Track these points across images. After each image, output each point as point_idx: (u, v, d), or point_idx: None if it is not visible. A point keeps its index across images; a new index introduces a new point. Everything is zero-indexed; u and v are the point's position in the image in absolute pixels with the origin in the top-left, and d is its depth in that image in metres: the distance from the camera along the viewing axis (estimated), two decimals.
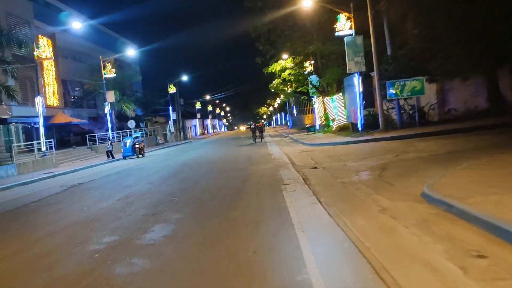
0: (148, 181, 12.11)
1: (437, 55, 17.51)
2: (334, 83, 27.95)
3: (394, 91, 19.53)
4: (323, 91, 28.41)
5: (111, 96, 29.24)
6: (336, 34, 20.58)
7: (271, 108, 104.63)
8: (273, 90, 32.25)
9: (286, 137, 33.26)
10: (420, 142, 14.45)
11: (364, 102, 21.01)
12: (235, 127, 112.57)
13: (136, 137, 23.08)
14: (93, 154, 27.50)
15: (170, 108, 50.05)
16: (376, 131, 19.76)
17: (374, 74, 22.72)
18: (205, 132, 78.87)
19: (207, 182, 10.64)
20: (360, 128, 20.05)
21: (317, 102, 33.84)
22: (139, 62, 48.83)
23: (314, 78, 30.15)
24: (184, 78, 51.82)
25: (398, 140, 16.19)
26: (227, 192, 8.84)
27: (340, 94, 27.94)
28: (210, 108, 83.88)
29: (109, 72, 29.15)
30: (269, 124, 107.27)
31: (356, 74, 19.79)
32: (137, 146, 22.48)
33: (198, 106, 68.56)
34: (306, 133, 30.05)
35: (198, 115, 68.72)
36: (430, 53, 18.14)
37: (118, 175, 15.27)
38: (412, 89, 19.14)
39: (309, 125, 30.87)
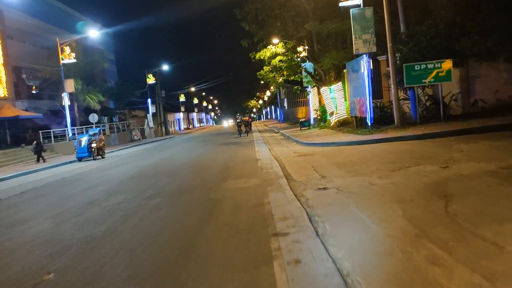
0: (57, 211, 7.88)
1: (471, 29, 13.57)
2: (332, 70, 23.94)
3: (412, 77, 15.57)
4: (320, 80, 24.39)
5: (70, 85, 24.77)
6: (341, 4, 16.52)
7: (260, 101, 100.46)
8: (261, 80, 28.11)
9: (277, 132, 29.23)
10: (460, 143, 10.50)
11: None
12: (224, 121, 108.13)
13: (94, 134, 18.75)
14: (46, 154, 23.07)
15: (149, 100, 45.60)
16: (389, 127, 15.82)
17: (385, 58, 18.79)
18: (191, 126, 74.42)
19: (132, 230, 5.99)
20: (369, 124, 16.08)
21: (312, 93, 29.84)
22: (114, 50, 44.07)
23: (309, 66, 26.09)
24: (165, 67, 47.28)
25: (424, 140, 12.24)
26: (152, 267, 4.66)
27: (340, 83, 23.93)
28: (196, 101, 79.33)
29: (68, 57, 24.63)
30: (259, 118, 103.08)
31: (364, 56, 15.77)
32: (94, 145, 18.18)
33: (182, 98, 64.07)
34: (299, 129, 26.05)
35: (182, 108, 64.24)
36: (461, 29, 14.19)
37: (33, 192, 11.04)
38: (436, 75, 15.18)
39: (303, 119, 26.88)
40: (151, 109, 46.08)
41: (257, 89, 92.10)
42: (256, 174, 9.49)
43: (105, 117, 38.17)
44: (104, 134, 21.17)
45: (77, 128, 25.84)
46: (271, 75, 26.89)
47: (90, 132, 19.31)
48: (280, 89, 32.77)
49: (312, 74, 25.07)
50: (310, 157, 11.55)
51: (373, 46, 15.82)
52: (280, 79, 29.14)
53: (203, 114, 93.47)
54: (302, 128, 25.98)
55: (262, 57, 27.80)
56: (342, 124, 22.39)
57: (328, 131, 21.09)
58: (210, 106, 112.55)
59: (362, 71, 16.25)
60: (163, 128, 51.68)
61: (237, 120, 30.10)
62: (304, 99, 32.05)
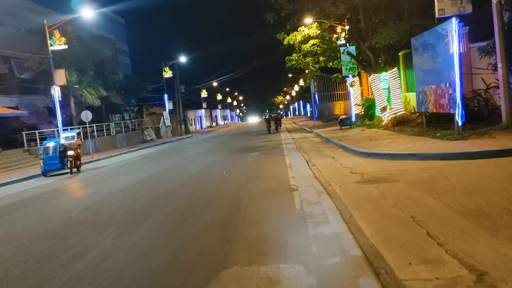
0: None
1: None
2: (384, 53, 18.49)
3: None
4: (368, 66, 18.92)
5: (61, 77, 20.52)
6: None
7: (288, 97, 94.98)
8: (291, 67, 22.91)
9: (310, 132, 23.97)
10: None
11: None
12: (249, 118, 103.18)
13: (68, 138, 14.14)
14: (30, 160, 18.91)
15: (165, 96, 41.28)
16: (492, 128, 10.35)
17: (467, 30, 13.30)
18: (214, 124, 70.02)
19: None
20: (459, 123, 10.63)
21: (354, 83, 24.38)
22: (127, 40, 39.93)
23: (352, 49, 20.62)
24: (184, 59, 42.78)
25: None
26: None
27: (395, 69, 18.43)
28: (219, 97, 74.87)
29: (58, 43, 20.34)
30: (286, 115, 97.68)
31: (453, 20, 10.30)
32: (70, 153, 13.59)
33: (204, 94, 59.64)
34: (339, 128, 20.72)
35: (204, 105, 59.83)
36: None
37: None
38: None
39: (343, 116, 21.43)
40: (168, 105, 41.78)
41: (284, 84, 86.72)
42: (295, 248, 4.33)
43: (116, 115, 34.08)
44: (79, 137, 16.48)
45: (70, 128, 21.57)
46: (304, 60, 21.61)
47: (63, 135, 14.72)
48: (314, 78, 27.29)
49: (359, 58, 19.62)
50: (390, 188, 6.31)
51: (467, 4, 10.35)
52: (316, 67, 23.75)
53: (228, 111, 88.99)
54: (342, 128, 20.63)
55: (292, 42, 22.61)
56: (400, 123, 16.94)
57: (384, 133, 15.67)
58: (235, 103, 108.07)
59: (447, 44, 10.80)
60: (183, 127, 47.37)
61: (266, 117, 29.65)
62: (342, 92, 26.57)
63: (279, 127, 28.78)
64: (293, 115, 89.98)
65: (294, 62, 21.35)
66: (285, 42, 22.79)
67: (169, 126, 41.29)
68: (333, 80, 23.05)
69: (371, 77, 18.92)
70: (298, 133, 25.43)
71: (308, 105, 60.60)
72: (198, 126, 57.72)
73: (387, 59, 18.21)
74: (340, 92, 26.93)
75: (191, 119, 53.98)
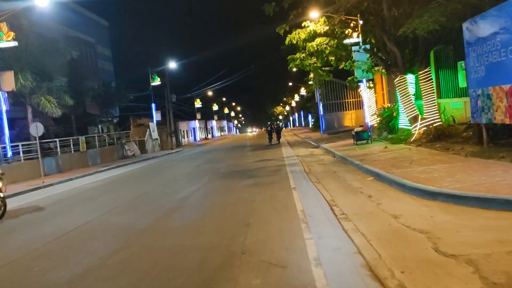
0: None
1: None
2: (411, 50, 14.63)
3: None
4: (393, 65, 14.94)
5: (9, 80, 16.68)
6: None
7: (287, 108, 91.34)
8: (292, 68, 18.98)
9: (316, 147, 19.95)
10: None
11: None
12: (248, 129, 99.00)
13: None
14: None
15: (153, 106, 37.33)
16: None
17: None
18: (209, 136, 65.99)
19: None
20: None
21: (368, 88, 20.39)
22: (110, 45, 36.13)
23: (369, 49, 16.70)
24: (173, 65, 38.94)
25: None
26: None
27: (428, 69, 14.51)
28: (215, 107, 71.04)
29: (5, 38, 16.39)
30: (286, 126, 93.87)
31: None
32: None
33: (198, 104, 55.73)
34: (354, 143, 16.72)
35: (198, 116, 55.88)
36: None
37: None
38: None
39: (359, 129, 17.35)
40: (156, 116, 37.80)
41: (283, 93, 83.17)
42: None
43: (95, 127, 30.01)
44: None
45: (22, 145, 17.46)
46: (310, 61, 17.69)
47: None
48: (322, 82, 23.07)
49: (382, 57, 15.67)
50: None
51: None
52: (323, 71, 19.80)
53: (225, 122, 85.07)
54: (358, 143, 16.61)
55: (294, 41, 18.75)
56: (439, 137, 12.96)
57: (422, 152, 11.63)
58: (232, 113, 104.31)
59: None
60: (173, 139, 43.29)
61: (268, 128, 29.86)
62: (353, 100, 22.56)
63: (279, 138, 28.29)
64: (293, 127, 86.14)
65: (298, 62, 17.41)
66: (287, 41, 18.94)
67: (157, 139, 37.22)
68: (347, 84, 19.03)
69: (397, 79, 14.94)
70: (302, 147, 21.38)
71: (309, 116, 56.70)
72: (191, 139, 53.66)
73: (417, 56, 14.30)
74: (351, 100, 22.99)
75: (183, 131, 49.96)
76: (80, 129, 26.26)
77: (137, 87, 38.00)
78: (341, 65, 17.54)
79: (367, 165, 10.30)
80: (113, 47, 39.45)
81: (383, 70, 16.37)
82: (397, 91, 15.28)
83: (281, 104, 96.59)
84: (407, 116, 14.92)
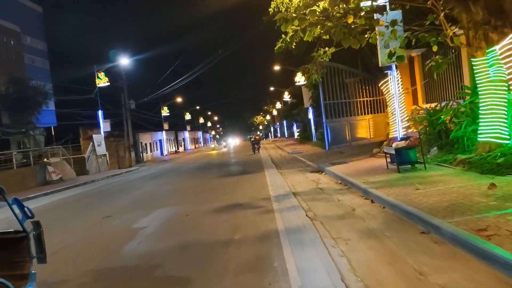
0: None
1: None
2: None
3: None
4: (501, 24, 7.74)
5: None
6: None
7: (268, 117, 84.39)
8: (284, 45, 11.76)
9: (317, 170, 12.57)
10: None
11: None
12: (228, 140, 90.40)
13: None
14: None
15: (99, 113, 29.40)
16: None
17: None
18: (180, 149, 57.96)
19: None
20: None
21: (394, 81, 13.17)
22: (45, 37, 28.07)
23: (397, 15, 9.60)
24: (126, 62, 31.14)
25: None
26: None
27: None
28: (188, 116, 63.24)
29: None
30: (266, 137, 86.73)
31: None
32: None
33: (165, 112, 47.89)
34: (389, 168, 9.52)
35: (166, 126, 47.98)
36: None
37: None
38: None
39: (401, 144, 9.94)
40: (105, 126, 29.84)
41: (264, 101, 76.26)
42: None
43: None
44: None
45: None
46: (315, 29, 10.31)
47: None
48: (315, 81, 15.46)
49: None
50: None
51: None
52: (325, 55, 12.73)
53: (200, 133, 77.14)
54: (401, 168, 9.38)
55: (283, 7, 11.75)
56: None
57: None
58: (209, 124, 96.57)
59: None
60: (132, 154, 35.30)
61: (252, 140, 32.58)
62: (370, 99, 15.04)
63: (259, 148, 30.61)
64: (274, 137, 79.05)
65: (296, 24, 9.99)
66: (272, 6, 11.95)
67: (105, 155, 29.21)
68: (380, 65, 11.70)
69: (481, 59, 7.75)
70: (295, 170, 14.04)
71: (294, 125, 49.69)
72: (157, 153, 45.62)
73: None
74: (366, 100, 15.50)
75: (147, 144, 41.98)
76: None
77: (85, 90, 30.11)
78: (367, 35, 10.25)
79: None
80: (50, 39, 31.24)
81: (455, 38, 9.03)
82: (481, 80, 8.10)
83: (261, 113, 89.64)
84: (501, 119, 7.73)
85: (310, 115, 30.96)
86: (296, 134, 47.49)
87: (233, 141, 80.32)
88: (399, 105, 13.34)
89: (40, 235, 3.48)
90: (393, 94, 13.73)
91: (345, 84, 14.65)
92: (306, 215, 6.50)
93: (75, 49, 58.57)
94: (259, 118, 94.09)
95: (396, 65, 12.94)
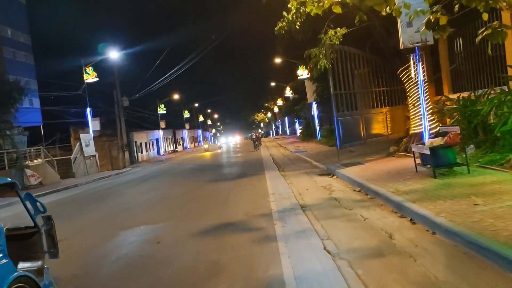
0: None
1: None
2: None
3: None
4: None
5: None
6: None
7: (269, 114, 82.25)
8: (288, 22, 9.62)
9: (326, 173, 10.48)
10: None
11: None
12: (228, 139, 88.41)
13: None
14: None
15: (88, 111, 27.42)
16: None
17: None
18: (179, 148, 55.94)
19: None
20: None
21: (419, 66, 11.06)
22: (28, 28, 26.07)
23: None
24: (115, 56, 29.12)
25: None
26: None
27: None
28: (187, 114, 61.17)
29: None
30: (268, 135, 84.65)
31: None
32: None
33: (162, 110, 45.87)
34: (433, 174, 7.42)
35: (163, 124, 45.96)
36: None
37: None
38: None
39: (437, 142, 7.88)
40: (94, 125, 27.85)
41: (265, 98, 74.10)
42: None
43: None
44: None
45: None
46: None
47: None
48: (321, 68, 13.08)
49: None
50: None
51: None
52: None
53: (199, 131, 75.05)
54: (437, 171, 7.32)
55: None
56: None
57: None
58: (209, 122, 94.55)
59: None
60: (126, 155, 33.34)
61: (253, 137, 34.66)
62: (388, 89, 12.84)
63: (259, 146, 31.46)
64: (275, 135, 76.96)
65: None
66: None
67: (94, 155, 27.23)
68: (402, 47, 9.45)
69: None
70: (301, 173, 11.98)
71: (297, 122, 47.61)
72: (153, 152, 43.61)
73: None
74: (382, 90, 13.26)
75: (142, 144, 39.97)
76: None
77: (75, 86, 28.10)
78: (378, 4, 8.16)
79: None
80: (35, 32, 29.14)
81: None
82: None
83: (262, 110, 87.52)
84: None
85: (314, 110, 28.87)
86: (298, 132, 45.42)
87: (233, 140, 78.21)
88: (424, 95, 11.27)
89: (52, 229, 3.54)
90: (417, 82, 11.66)
91: (358, 72, 12.54)
92: (325, 248, 4.44)
93: (63, 43, 55.47)
94: (260, 116, 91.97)
95: (419, 47, 10.89)
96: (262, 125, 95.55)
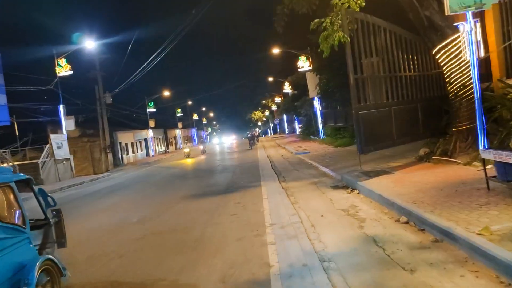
0: None
1: None
2: None
3: None
4: None
5: None
6: None
7: (267, 112, 79.11)
8: None
9: (342, 185, 7.32)
10: None
11: None
12: (224, 138, 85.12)
13: None
14: None
15: (60, 108, 24.21)
16: None
17: None
18: (170, 148, 52.72)
19: None
20: None
21: (470, 41, 8.13)
22: None
23: None
24: (92, 45, 25.89)
25: None
26: None
27: None
28: (179, 113, 57.93)
29: None
30: (265, 134, 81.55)
31: None
32: None
33: (150, 108, 42.66)
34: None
35: (152, 123, 42.75)
36: None
37: None
38: None
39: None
40: (67, 125, 24.68)
41: (262, 95, 71.04)
42: None
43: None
44: None
45: None
46: None
47: None
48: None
49: None
50: None
51: None
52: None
53: (193, 130, 71.70)
54: None
55: None
56: None
57: None
58: (204, 120, 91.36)
59: None
60: (109, 157, 30.22)
61: (249, 136, 36.16)
62: (419, 74, 9.76)
63: (254, 146, 31.52)
64: (273, 134, 73.87)
65: None
66: None
67: (68, 159, 24.06)
68: (449, 13, 5.41)
69: None
70: (307, 182, 8.90)
71: (296, 120, 44.56)
72: (141, 153, 40.42)
73: None
74: (413, 74, 9.98)
75: (127, 144, 36.78)
76: None
77: (48, 81, 24.85)
78: None
79: None
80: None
81: None
82: None
83: (260, 108, 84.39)
84: None
85: (317, 106, 25.79)
86: (298, 130, 42.36)
87: (229, 140, 74.93)
88: (478, 78, 8.19)
89: (61, 222, 4.21)
90: (466, 63, 8.57)
91: (384, 49, 9.43)
92: None
93: (34, 32, 50.80)
94: (258, 114, 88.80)
95: (474, 13, 7.84)
96: (259, 123, 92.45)
